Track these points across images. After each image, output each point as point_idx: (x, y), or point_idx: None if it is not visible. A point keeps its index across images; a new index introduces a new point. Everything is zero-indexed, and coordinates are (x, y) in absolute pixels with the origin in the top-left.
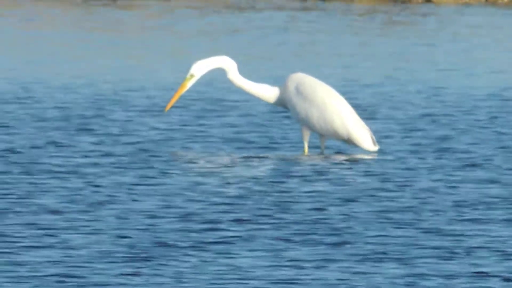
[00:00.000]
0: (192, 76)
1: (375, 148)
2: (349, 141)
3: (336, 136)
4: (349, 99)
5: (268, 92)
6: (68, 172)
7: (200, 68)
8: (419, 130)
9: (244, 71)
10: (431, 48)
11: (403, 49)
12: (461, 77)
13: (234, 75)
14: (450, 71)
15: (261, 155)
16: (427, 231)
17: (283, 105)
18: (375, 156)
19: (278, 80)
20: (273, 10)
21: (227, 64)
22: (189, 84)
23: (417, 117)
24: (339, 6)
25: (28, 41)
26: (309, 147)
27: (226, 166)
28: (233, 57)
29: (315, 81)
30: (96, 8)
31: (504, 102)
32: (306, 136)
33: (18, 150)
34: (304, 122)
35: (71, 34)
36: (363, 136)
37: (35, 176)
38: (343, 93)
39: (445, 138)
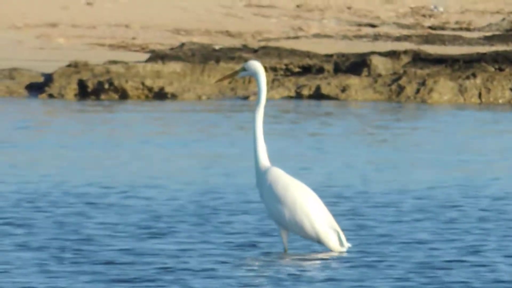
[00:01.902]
0: (244, 69)
1: (343, 249)
2: (318, 242)
3: (306, 236)
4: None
5: (262, 160)
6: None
7: (251, 67)
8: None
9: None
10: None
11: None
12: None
13: (259, 111)
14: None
15: None
16: None
17: (259, 191)
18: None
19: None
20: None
21: (262, 92)
22: (240, 73)
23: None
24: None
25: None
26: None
27: None
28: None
29: (290, 180)
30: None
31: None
32: (284, 234)
33: None
34: (277, 222)
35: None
36: (330, 238)
37: None
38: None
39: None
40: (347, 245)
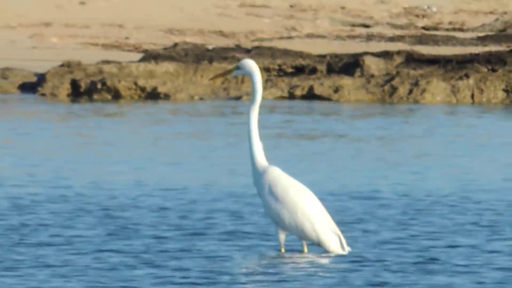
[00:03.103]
0: (238, 67)
1: (344, 252)
2: (319, 244)
3: (306, 239)
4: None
5: (259, 159)
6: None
7: (246, 66)
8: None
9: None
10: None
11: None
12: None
13: (254, 110)
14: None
15: None
16: None
17: (257, 190)
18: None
19: None
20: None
21: (257, 91)
22: (234, 72)
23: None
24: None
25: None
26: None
27: None
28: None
29: (289, 181)
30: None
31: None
32: (282, 235)
33: None
34: (277, 222)
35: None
36: (331, 241)
37: None
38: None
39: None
40: (347, 248)
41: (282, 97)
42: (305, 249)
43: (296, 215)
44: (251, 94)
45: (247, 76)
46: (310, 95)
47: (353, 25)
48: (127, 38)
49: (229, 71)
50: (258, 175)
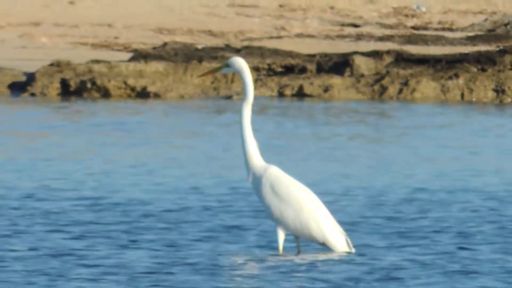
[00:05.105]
0: (227, 65)
1: (351, 251)
2: (324, 245)
3: (311, 239)
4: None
5: (255, 158)
6: None
7: (235, 63)
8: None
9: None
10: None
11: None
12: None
13: (247, 108)
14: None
15: None
16: None
17: (255, 190)
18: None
19: None
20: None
21: (248, 88)
22: (223, 69)
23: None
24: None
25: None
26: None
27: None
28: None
29: (290, 180)
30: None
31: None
32: (282, 235)
33: None
34: (279, 222)
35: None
36: (338, 241)
37: None
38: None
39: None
40: (352, 249)
41: (272, 97)
42: (299, 249)
43: (301, 213)
44: (243, 93)
45: (237, 75)
46: (300, 95)
47: (343, 25)
48: (116, 37)
49: (218, 68)
50: (256, 175)
